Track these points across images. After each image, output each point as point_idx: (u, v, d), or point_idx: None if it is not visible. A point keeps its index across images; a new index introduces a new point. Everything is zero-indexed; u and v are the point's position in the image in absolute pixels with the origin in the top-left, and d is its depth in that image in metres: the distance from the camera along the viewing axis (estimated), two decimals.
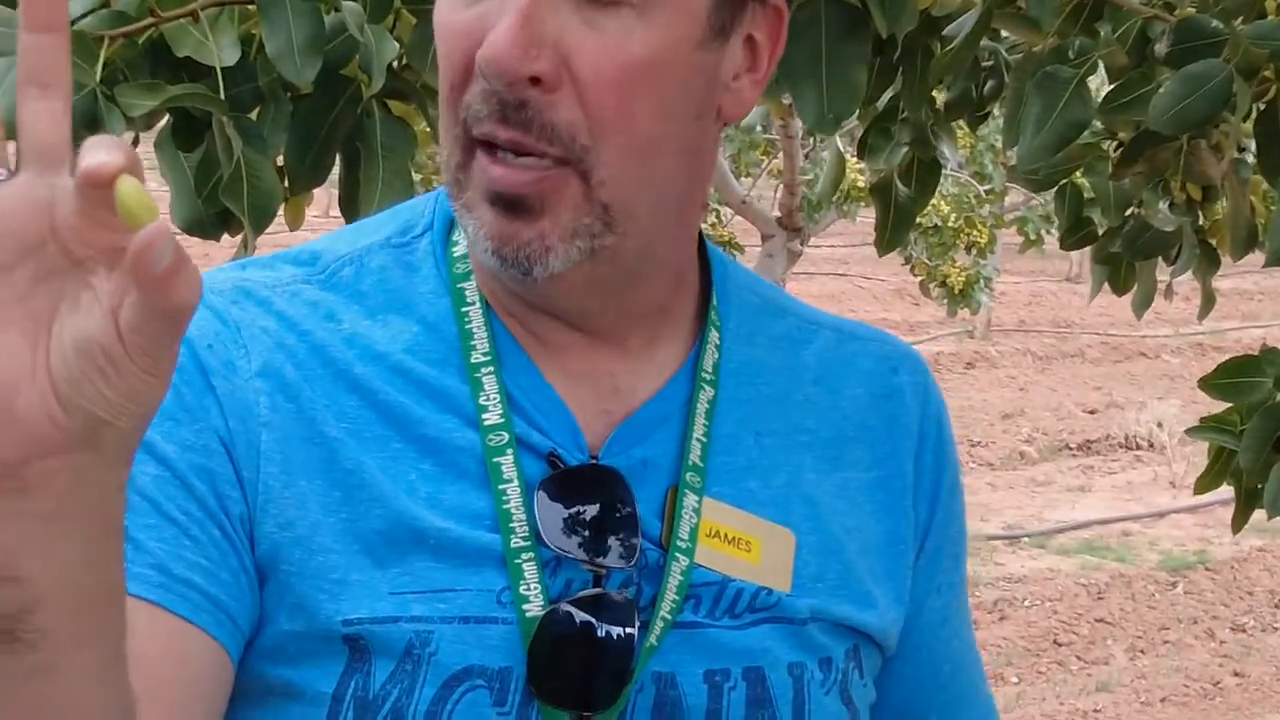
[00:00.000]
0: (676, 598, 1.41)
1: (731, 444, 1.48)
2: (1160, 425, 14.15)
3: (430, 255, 1.47)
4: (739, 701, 1.42)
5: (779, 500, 1.48)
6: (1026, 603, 10.10)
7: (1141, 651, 9.49)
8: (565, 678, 1.37)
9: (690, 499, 1.43)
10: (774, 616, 1.45)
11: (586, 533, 1.39)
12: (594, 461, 1.42)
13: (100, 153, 0.91)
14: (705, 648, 1.42)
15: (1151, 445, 14.17)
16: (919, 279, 11.36)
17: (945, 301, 11.33)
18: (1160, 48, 2.66)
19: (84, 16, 2.13)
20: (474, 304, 1.43)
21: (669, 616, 1.40)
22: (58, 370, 0.93)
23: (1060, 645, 9.48)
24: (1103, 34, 2.72)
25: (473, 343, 1.42)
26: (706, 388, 1.48)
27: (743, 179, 10.18)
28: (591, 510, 1.40)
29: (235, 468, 1.35)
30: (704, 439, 1.46)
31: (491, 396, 1.40)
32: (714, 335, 1.51)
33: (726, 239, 10.24)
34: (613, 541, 1.39)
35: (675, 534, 1.42)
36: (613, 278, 1.40)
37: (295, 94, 2.26)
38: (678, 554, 1.41)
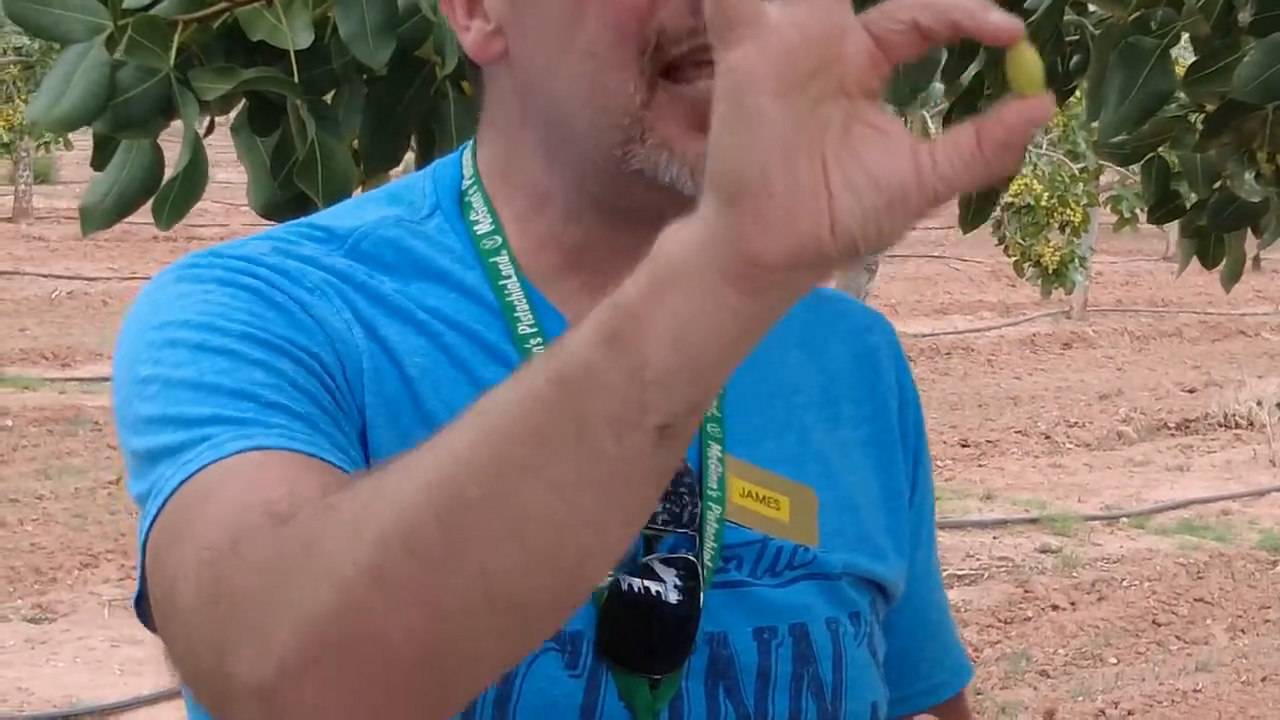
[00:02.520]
0: (715, 546, 1.42)
1: (745, 405, 1.48)
2: (1260, 404, 13.99)
3: (449, 232, 1.46)
4: (786, 658, 1.44)
5: (794, 459, 1.49)
6: (1125, 583, 10.01)
7: (1242, 631, 9.39)
8: (634, 643, 1.37)
9: (714, 449, 1.44)
10: (811, 573, 1.47)
11: None
12: None
13: (1000, 15, 0.95)
14: (752, 606, 1.44)
15: (1251, 424, 14.01)
16: (1013, 259, 11.27)
17: (1039, 281, 11.23)
18: (1244, 16, 2.63)
19: (158, 2, 2.14)
20: (510, 277, 1.43)
21: (709, 565, 1.41)
22: (841, 196, 0.97)
23: (1159, 625, 9.39)
24: (1186, 4, 2.69)
25: (516, 315, 1.42)
26: None
27: None
28: None
29: (350, 389, 1.35)
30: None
31: None
32: None
33: None
34: (669, 504, 1.40)
35: (705, 484, 1.43)
36: None
37: (369, 76, 2.26)
38: (710, 503, 1.42)
